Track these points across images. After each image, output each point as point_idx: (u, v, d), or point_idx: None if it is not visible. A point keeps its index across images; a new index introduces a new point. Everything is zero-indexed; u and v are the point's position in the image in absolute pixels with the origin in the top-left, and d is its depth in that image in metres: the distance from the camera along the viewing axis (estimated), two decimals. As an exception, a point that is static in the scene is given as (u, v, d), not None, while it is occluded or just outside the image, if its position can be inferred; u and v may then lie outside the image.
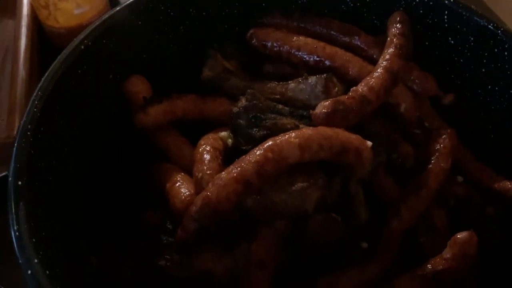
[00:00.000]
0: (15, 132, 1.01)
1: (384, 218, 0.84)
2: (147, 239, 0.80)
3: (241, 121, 0.81)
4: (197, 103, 0.91)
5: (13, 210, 0.60)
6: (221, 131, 0.87)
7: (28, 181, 0.63)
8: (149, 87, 0.91)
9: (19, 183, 0.61)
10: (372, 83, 0.83)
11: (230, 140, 0.85)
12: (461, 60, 0.91)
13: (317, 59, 0.90)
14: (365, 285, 0.80)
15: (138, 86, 0.90)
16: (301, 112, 0.83)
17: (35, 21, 1.27)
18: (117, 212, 0.85)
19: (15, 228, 0.59)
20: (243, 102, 0.82)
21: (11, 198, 0.62)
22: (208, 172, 0.76)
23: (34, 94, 0.69)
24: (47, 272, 0.61)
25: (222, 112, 0.91)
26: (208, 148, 0.81)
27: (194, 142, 0.89)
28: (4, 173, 0.70)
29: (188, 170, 0.85)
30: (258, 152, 0.72)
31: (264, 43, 0.94)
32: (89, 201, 0.81)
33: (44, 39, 1.28)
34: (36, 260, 0.61)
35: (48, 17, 1.24)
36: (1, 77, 1.19)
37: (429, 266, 0.78)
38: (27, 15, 1.26)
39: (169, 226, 0.79)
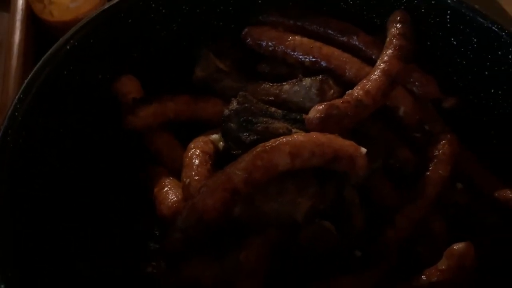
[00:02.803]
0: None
1: (379, 226, 0.81)
2: (135, 246, 0.79)
3: (232, 125, 0.78)
4: (189, 104, 0.88)
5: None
6: (213, 134, 0.84)
7: (9, 193, 0.61)
8: (139, 88, 0.88)
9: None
10: (369, 86, 0.80)
11: (221, 143, 0.83)
12: (464, 62, 0.87)
13: (313, 59, 0.87)
14: (358, 296, 0.78)
15: (129, 87, 0.87)
16: (295, 115, 0.80)
17: (30, 15, 1.25)
18: (106, 217, 0.84)
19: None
20: (234, 104, 0.79)
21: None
22: (196, 177, 0.74)
23: (16, 97, 0.67)
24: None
25: (215, 113, 0.88)
26: (197, 152, 0.78)
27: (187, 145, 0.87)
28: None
29: (180, 175, 0.83)
30: (246, 159, 0.69)
31: (258, 42, 0.91)
32: (78, 206, 0.80)
33: (41, 34, 1.26)
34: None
35: (43, 11, 1.22)
36: (-6, 73, 1.16)
37: (423, 277, 0.75)
38: (22, 9, 1.23)
39: (156, 232, 0.77)
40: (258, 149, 0.70)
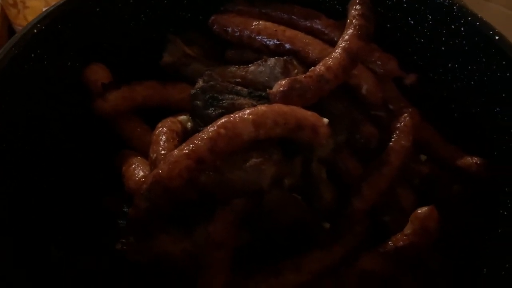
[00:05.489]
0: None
1: (347, 199, 0.83)
2: (105, 225, 0.79)
3: (198, 102, 0.80)
4: (157, 89, 0.90)
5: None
6: (182, 115, 0.86)
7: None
8: (109, 75, 0.90)
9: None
10: (330, 62, 0.82)
11: (189, 124, 0.84)
12: (422, 40, 0.91)
13: (277, 42, 0.90)
14: (330, 267, 0.78)
15: (98, 74, 0.89)
16: (260, 93, 0.82)
17: (5, 21, 1.27)
18: (77, 201, 0.84)
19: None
20: (200, 83, 0.81)
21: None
22: (163, 152, 0.75)
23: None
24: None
25: (183, 98, 0.90)
26: (164, 130, 0.80)
27: (157, 130, 0.88)
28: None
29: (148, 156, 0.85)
30: (211, 129, 0.71)
31: (225, 28, 0.94)
32: (48, 189, 0.80)
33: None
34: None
35: (17, 16, 1.24)
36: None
37: (390, 243, 0.77)
38: (-3, 14, 1.26)
39: (125, 210, 0.78)
40: (222, 120, 0.72)
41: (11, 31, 1.27)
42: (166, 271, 0.76)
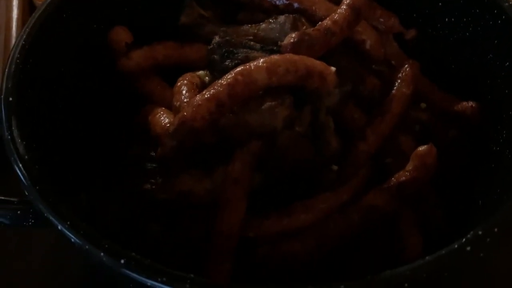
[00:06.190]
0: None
1: (352, 143, 0.90)
2: (133, 169, 0.87)
3: (216, 56, 0.87)
4: (176, 48, 0.97)
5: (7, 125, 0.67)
6: (200, 71, 0.94)
7: (18, 100, 0.69)
8: (131, 37, 0.97)
9: (10, 99, 0.68)
10: (336, 17, 0.89)
11: (207, 78, 0.92)
12: (421, -4, 0.98)
13: (286, 2, 0.96)
14: (339, 207, 0.86)
15: (122, 35, 0.96)
16: (271, 47, 0.89)
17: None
18: (106, 151, 0.92)
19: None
20: (216, 39, 0.88)
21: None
22: (185, 100, 0.83)
23: (23, 30, 0.76)
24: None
25: (200, 57, 0.97)
26: (185, 82, 0.87)
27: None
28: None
29: (170, 109, 0.92)
30: (229, 76, 0.78)
31: (237, -11, 1.01)
32: (78, 137, 0.88)
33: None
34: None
35: (38, -7, 1.32)
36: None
37: (393, 179, 0.84)
38: (18, -9, 1.33)
39: (152, 154, 0.85)
40: (239, 68, 0.79)
41: (31, 6, 1.35)
42: (188, 210, 0.84)
